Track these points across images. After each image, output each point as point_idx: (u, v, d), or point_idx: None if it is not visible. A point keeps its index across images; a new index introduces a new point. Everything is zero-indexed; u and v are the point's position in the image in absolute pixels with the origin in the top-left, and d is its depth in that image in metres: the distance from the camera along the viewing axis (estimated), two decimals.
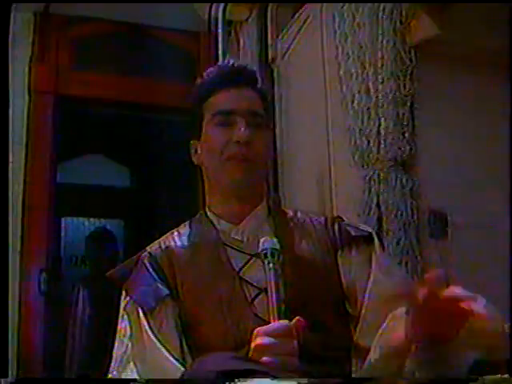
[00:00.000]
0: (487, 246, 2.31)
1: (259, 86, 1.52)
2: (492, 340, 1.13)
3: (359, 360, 1.33)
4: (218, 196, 1.48)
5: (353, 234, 1.43)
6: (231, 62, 1.55)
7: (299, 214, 1.52)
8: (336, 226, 1.46)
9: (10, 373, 2.73)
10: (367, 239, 1.43)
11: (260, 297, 1.33)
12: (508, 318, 1.48)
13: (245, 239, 1.43)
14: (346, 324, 1.38)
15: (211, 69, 1.55)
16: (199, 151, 1.50)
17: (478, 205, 2.37)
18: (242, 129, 1.40)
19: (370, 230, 1.46)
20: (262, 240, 1.23)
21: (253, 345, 1.09)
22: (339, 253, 1.42)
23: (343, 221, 1.50)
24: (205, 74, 1.53)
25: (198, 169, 1.54)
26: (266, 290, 1.18)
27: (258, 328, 1.11)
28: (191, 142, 1.52)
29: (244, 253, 1.40)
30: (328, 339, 1.33)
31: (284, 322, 1.10)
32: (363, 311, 1.34)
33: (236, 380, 0.97)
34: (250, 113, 1.44)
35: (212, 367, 1.03)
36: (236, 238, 1.43)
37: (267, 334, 1.08)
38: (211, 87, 1.48)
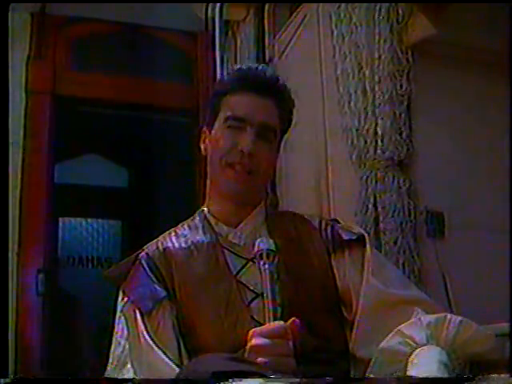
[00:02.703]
0: (485, 246, 2.31)
1: (283, 97, 1.49)
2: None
3: (357, 366, 1.33)
4: (215, 198, 1.48)
5: (344, 237, 1.43)
6: (262, 66, 1.53)
7: (295, 217, 1.51)
8: (329, 230, 1.45)
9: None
10: (359, 242, 1.42)
11: (257, 300, 1.33)
12: (508, 318, 1.49)
13: (242, 242, 1.43)
14: (342, 327, 1.38)
15: (240, 66, 1.54)
16: (207, 142, 1.49)
17: (476, 204, 2.37)
18: (249, 139, 1.40)
19: (362, 233, 1.45)
20: (257, 241, 1.23)
21: (248, 345, 1.09)
22: (332, 256, 1.42)
23: (338, 223, 1.50)
24: (232, 69, 1.52)
25: (196, 168, 1.54)
26: (262, 295, 1.18)
27: (254, 329, 1.11)
28: (203, 129, 1.52)
29: (241, 257, 1.40)
30: (323, 342, 1.32)
31: (279, 322, 1.10)
32: (356, 317, 1.34)
33: (230, 380, 0.97)
34: (261, 125, 1.42)
35: (207, 368, 1.03)
36: (233, 241, 1.43)
37: (263, 335, 1.08)
38: (234, 85, 1.46)
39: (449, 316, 1.22)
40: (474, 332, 1.20)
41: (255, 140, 1.40)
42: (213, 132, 1.47)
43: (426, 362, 1.15)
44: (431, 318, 1.23)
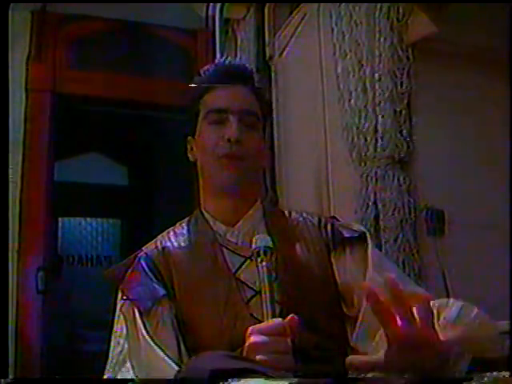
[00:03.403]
0: (485, 244, 2.31)
1: (255, 84, 1.51)
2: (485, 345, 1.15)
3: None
4: (211, 195, 1.48)
5: (345, 234, 1.43)
6: (228, 59, 1.56)
7: (293, 214, 1.51)
8: (329, 227, 1.45)
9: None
10: (360, 239, 1.42)
11: (255, 298, 1.33)
12: (508, 316, 1.49)
13: (240, 241, 1.42)
14: (342, 324, 1.38)
15: (208, 66, 1.55)
16: (194, 148, 1.50)
17: (476, 202, 2.37)
18: (234, 127, 1.41)
19: (363, 230, 1.45)
20: (255, 238, 1.23)
21: (247, 343, 1.09)
22: (332, 254, 1.41)
23: (338, 221, 1.50)
24: (202, 71, 1.53)
25: (194, 166, 1.54)
26: (261, 293, 1.18)
27: (252, 326, 1.11)
28: (188, 138, 1.53)
29: (240, 255, 1.40)
30: (323, 339, 1.32)
31: (278, 319, 1.09)
32: (360, 313, 1.33)
33: (230, 380, 0.97)
34: (243, 111, 1.44)
35: (205, 366, 1.02)
36: (232, 240, 1.43)
37: (261, 332, 1.08)
38: (207, 85, 1.48)
39: (452, 300, 1.22)
40: (476, 314, 1.19)
41: (239, 127, 1.42)
42: (197, 135, 1.49)
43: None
44: (434, 302, 1.23)
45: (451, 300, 1.22)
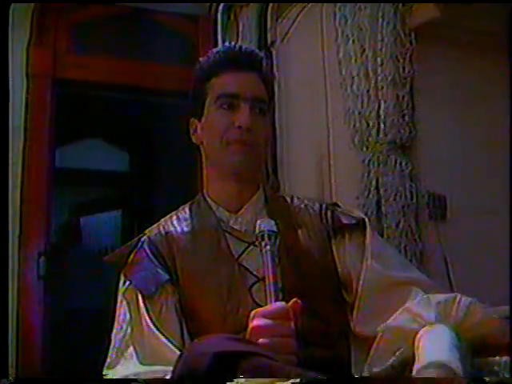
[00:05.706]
0: (486, 229, 2.31)
1: (264, 71, 1.50)
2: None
3: (358, 349, 1.33)
4: (216, 180, 1.47)
5: (344, 221, 1.42)
6: (239, 44, 1.52)
7: (295, 201, 1.50)
8: (329, 214, 1.45)
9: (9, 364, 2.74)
10: (359, 226, 1.42)
11: (258, 284, 1.33)
12: (508, 301, 1.49)
13: (243, 228, 1.42)
14: (343, 310, 1.38)
15: (218, 48, 1.52)
16: (199, 131, 1.48)
17: (478, 188, 2.37)
18: (246, 114, 1.39)
19: (362, 217, 1.44)
20: (258, 222, 1.22)
21: (249, 326, 1.09)
22: (333, 241, 1.41)
23: (339, 207, 1.49)
24: (211, 52, 1.51)
25: (197, 151, 1.53)
26: (263, 279, 1.17)
27: (255, 310, 1.11)
28: (191, 119, 1.51)
29: (243, 240, 1.40)
30: (325, 326, 1.32)
31: (281, 303, 1.09)
32: (357, 299, 1.34)
33: (235, 380, 0.97)
34: (254, 98, 1.42)
35: (208, 349, 1.02)
36: (234, 227, 1.43)
37: (264, 316, 1.08)
38: (217, 68, 1.45)
39: (458, 296, 1.22)
40: (482, 314, 1.19)
41: (251, 114, 1.40)
42: (203, 119, 1.46)
43: (436, 342, 1.14)
44: (440, 297, 1.23)
45: (458, 295, 1.23)
